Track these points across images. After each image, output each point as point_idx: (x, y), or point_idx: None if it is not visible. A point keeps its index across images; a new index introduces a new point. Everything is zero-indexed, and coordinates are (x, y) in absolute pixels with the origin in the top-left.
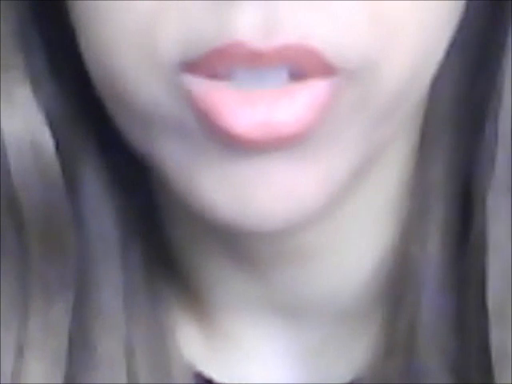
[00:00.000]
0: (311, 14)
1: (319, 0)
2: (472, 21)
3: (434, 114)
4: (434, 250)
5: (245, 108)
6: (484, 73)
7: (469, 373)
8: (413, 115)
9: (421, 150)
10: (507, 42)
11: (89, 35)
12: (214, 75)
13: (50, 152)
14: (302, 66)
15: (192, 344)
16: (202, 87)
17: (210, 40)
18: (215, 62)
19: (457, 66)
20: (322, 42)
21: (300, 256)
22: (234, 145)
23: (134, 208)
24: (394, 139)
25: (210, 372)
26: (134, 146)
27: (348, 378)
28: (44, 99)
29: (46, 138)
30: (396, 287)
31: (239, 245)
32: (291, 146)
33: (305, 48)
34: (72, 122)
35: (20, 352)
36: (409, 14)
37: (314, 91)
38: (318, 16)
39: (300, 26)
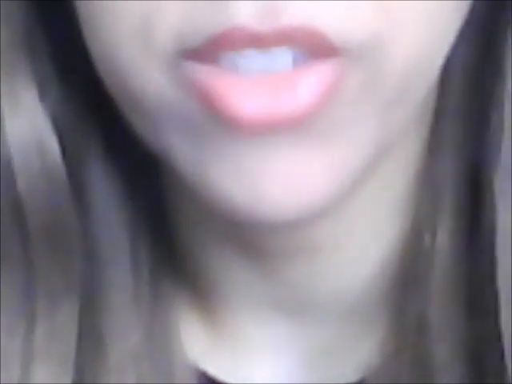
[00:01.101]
0: None
1: None
2: (478, 13)
3: (443, 107)
4: (444, 241)
5: (248, 94)
6: (492, 62)
7: (483, 362)
8: (422, 108)
9: (430, 143)
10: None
11: (92, 26)
12: (216, 62)
13: (56, 156)
14: (305, 48)
15: (197, 343)
16: (205, 75)
17: (209, 26)
18: (216, 48)
19: (465, 58)
20: (326, 22)
21: (308, 251)
22: (239, 132)
23: (143, 208)
24: (405, 131)
25: (214, 371)
26: (145, 142)
27: (355, 378)
28: (50, 103)
29: (52, 143)
30: (404, 282)
31: (247, 241)
32: (296, 130)
33: (308, 30)
34: (79, 126)
35: (27, 357)
36: None
37: (318, 75)
38: None
39: (303, 7)
